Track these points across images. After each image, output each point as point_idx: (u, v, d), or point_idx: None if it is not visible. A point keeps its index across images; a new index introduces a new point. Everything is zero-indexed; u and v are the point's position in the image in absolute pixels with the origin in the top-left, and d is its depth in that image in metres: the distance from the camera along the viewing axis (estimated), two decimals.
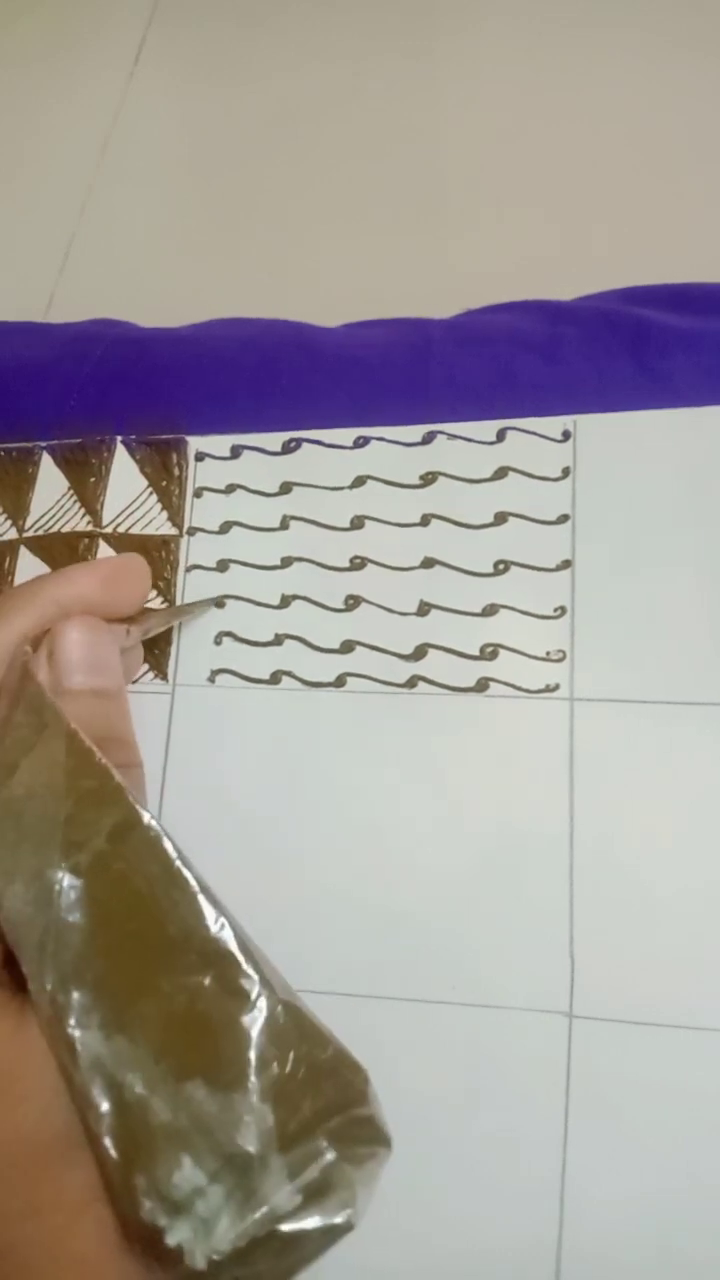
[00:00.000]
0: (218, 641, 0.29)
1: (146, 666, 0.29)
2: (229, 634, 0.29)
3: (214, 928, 0.19)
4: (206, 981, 0.19)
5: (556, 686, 0.27)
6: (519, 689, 0.28)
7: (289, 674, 0.29)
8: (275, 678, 0.29)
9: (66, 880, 0.19)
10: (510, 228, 0.85)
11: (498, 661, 0.28)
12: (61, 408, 0.32)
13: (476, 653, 0.28)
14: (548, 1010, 0.25)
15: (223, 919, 0.19)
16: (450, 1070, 0.25)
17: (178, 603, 0.30)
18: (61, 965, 0.19)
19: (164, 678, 0.29)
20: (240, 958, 0.19)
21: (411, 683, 0.28)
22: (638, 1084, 0.24)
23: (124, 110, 1.03)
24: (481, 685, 0.28)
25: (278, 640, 0.29)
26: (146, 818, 0.20)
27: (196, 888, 0.19)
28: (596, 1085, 0.25)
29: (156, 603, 0.30)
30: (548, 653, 0.28)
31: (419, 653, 0.28)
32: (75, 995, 0.18)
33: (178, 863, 0.20)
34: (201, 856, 0.28)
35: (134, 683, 0.29)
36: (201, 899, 0.19)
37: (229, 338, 0.34)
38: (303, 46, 1.04)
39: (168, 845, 0.20)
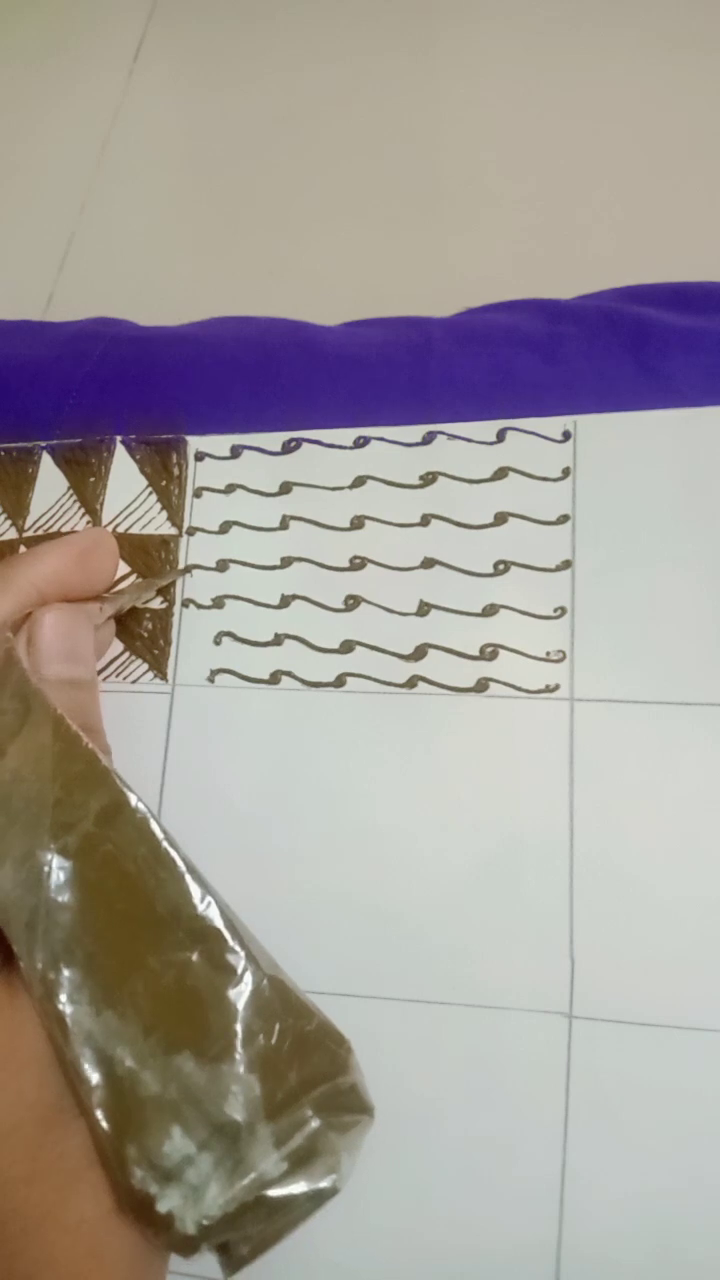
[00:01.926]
0: (217, 641, 0.29)
1: (145, 665, 0.29)
2: (229, 634, 0.29)
3: (200, 906, 0.20)
4: (194, 957, 0.19)
5: (556, 687, 0.27)
6: (519, 689, 0.27)
7: (289, 674, 0.29)
8: (275, 678, 0.29)
9: (56, 861, 0.20)
10: (510, 227, 0.85)
11: (498, 661, 0.28)
12: (61, 407, 0.32)
13: (476, 653, 0.28)
14: (547, 1011, 0.25)
15: (209, 897, 0.20)
16: (450, 1071, 0.25)
17: (177, 602, 0.30)
18: (52, 944, 0.19)
19: (163, 677, 0.29)
20: (226, 934, 0.20)
21: (411, 683, 0.28)
22: (637, 1084, 0.24)
23: (123, 110, 1.03)
24: (481, 685, 0.28)
25: (277, 640, 0.29)
26: (134, 800, 0.20)
27: (183, 868, 0.20)
28: (596, 1085, 0.25)
29: (155, 602, 0.30)
30: (548, 653, 0.28)
31: (419, 653, 0.28)
32: (66, 973, 0.19)
33: (165, 844, 0.20)
34: (201, 856, 0.28)
35: (135, 682, 0.29)
36: (188, 878, 0.20)
37: (229, 337, 0.34)
38: (302, 46, 1.04)
39: (155, 827, 0.20)
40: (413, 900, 0.26)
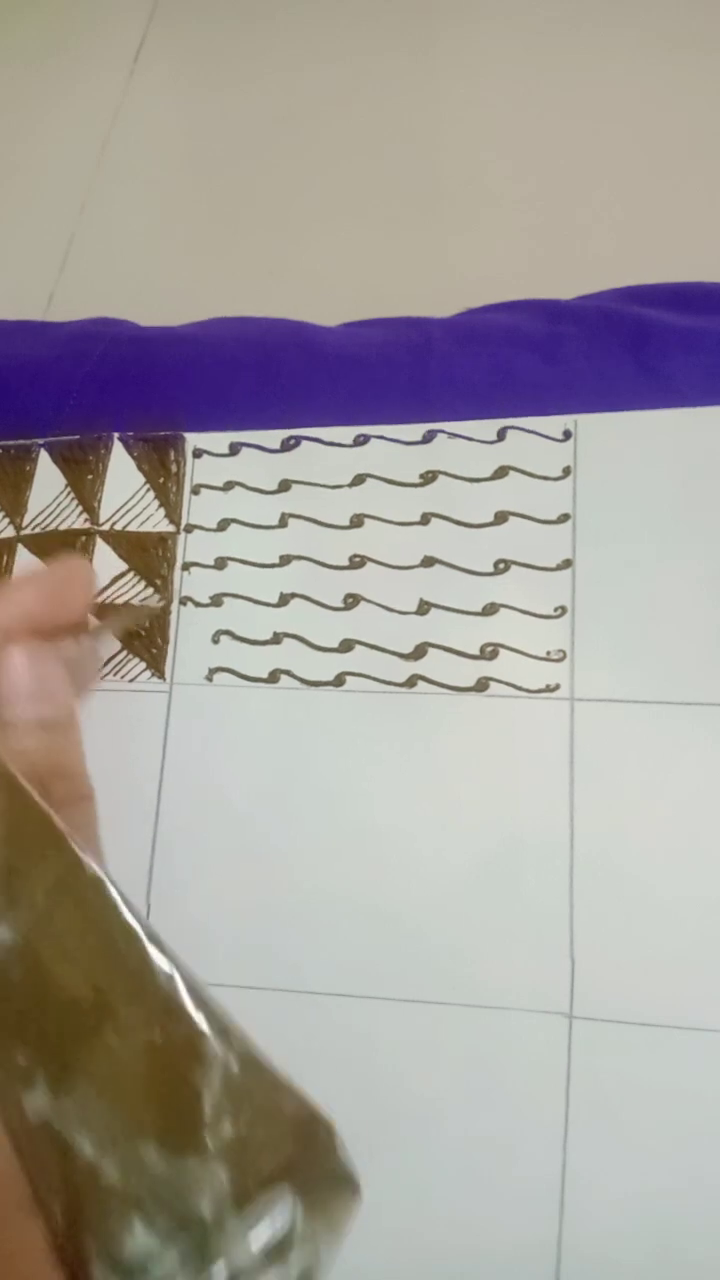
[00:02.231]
0: (216, 640, 0.29)
1: (143, 664, 0.29)
2: (227, 633, 0.29)
3: (163, 978, 0.18)
4: (157, 1036, 0.18)
5: (557, 686, 0.27)
6: (519, 689, 0.27)
7: (288, 673, 0.29)
8: (274, 676, 0.29)
9: (4, 934, 0.18)
10: (510, 227, 0.85)
11: (498, 661, 0.28)
12: (61, 406, 0.32)
13: (476, 652, 0.28)
14: (548, 1011, 0.25)
15: (173, 968, 0.18)
16: (451, 1070, 0.25)
17: (174, 600, 0.30)
18: (4, 1024, 0.18)
19: (161, 676, 0.29)
20: (191, 1010, 0.18)
21: (411, 682, 0.28)
22: (637, 1084, 0.24)
23: (123, 110, 1.03)
24: (481, 685, 0.28)
25: (276, 639, 0.29)
26: (90, 866, 0.19)
27: (144, 936, 0.19)
28: (596, 1085, 0.24)
29: (153, 601, 0.30)
30: (548, 652, 0.28)
31: (419, 652, 0.28)
32: (19, 1056, 0.18)
33: (124, 911, 0.19)
34: (199, 856, 0.28)
35: (133, 680, 0.29)
36: (149, 947, 0.19)
37: (229, 337, 0.34)
38: (302, 46, 1.04)
39: (113, 893, 0.19)
40: (412, 900, 0.26)
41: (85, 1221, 0.17)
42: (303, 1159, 0.18)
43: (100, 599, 0.30)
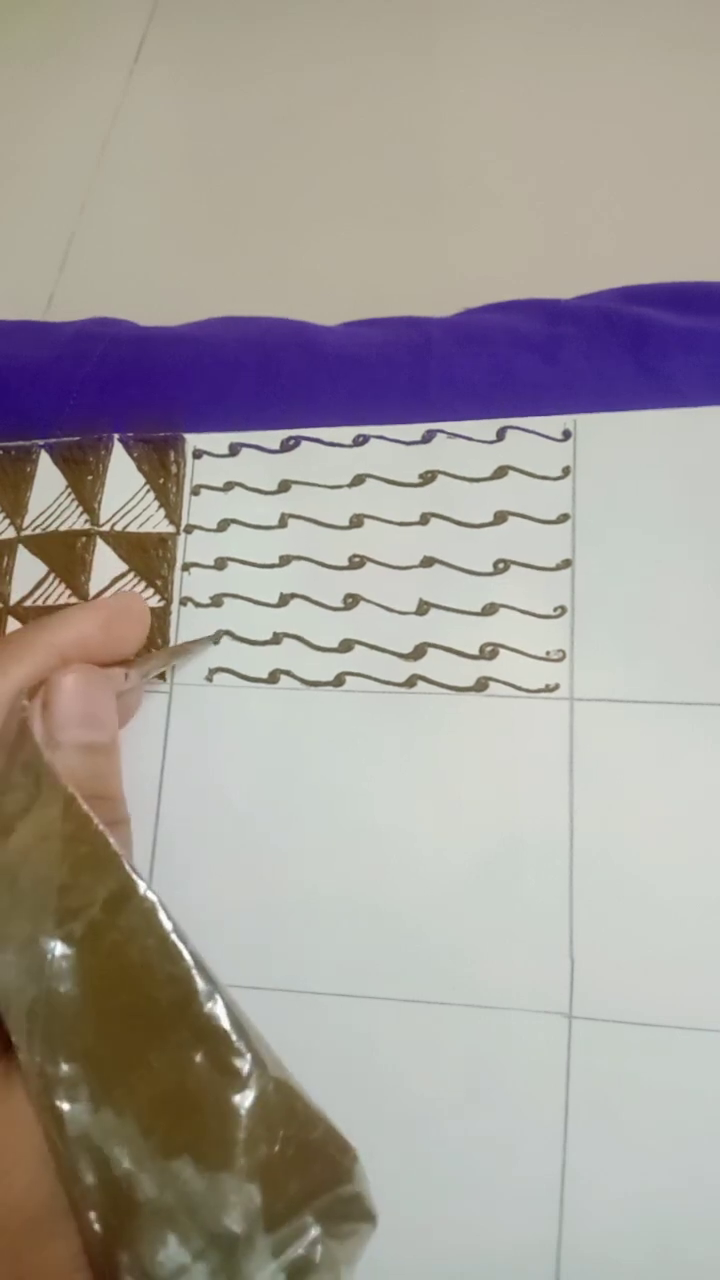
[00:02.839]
0: (216, 640, 0.29)
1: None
2: (227, 633, 0.29)
3: (207, 1003, 0.19)
4: (198, 1058, 0.18)
5: (556, 686, 0.27)
6: (519, 689, 0.27)
7: (287, 673, 0.29)
8: (274, 677, 0.29)
9: (59, 949, 0.19)
10: (510, 227, 0.85)
11: (497, 661, 0.28)
12: (61, 407, 0.32)
13: (476, 652, 0.28)
14: (547, 1011, 0.25)
15: (217, 994, 0.19)
16: (450, 1071, 0.25)
17: (175, 600, 0.30)
18: (51, 1036, 0.18)
19: (161, 677, 0.29)
20: (233, 1035, 0.19)
21: (411, 682, 0.28)
22: (637, 1085, 0.24)
23: (124, 110, 1.03)
24: (481, 685, 0.28)
25: (276, 639, 0.29)
26: (143, 888, 0.20)
27: (191, 962, 0.19)
28: (596, 1086, 0.24)
29: (153, 601, 0.30)
30: (547, 652, 0.28)
31: (418, 652, 0.28)
32: (64, 1067, 0.18)
33: (173, 935, 0.19)
34: (199, 856, 0.28)
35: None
36: (196, 973, 0.19)
37: (229, 337, 0.34)
38: (303, 46, 1.04)
39: (163, 917, 0.19)
40: (412, 900, 0.26)
41: (119, 1233, 0.17)
42: (329, 1185, 0.18)
43: (99, 598, 0.30)
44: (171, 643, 0.29)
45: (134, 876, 0.20)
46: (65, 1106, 0.18)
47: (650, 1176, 0.24)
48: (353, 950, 0.26)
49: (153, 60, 1.07)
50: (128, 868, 0.20)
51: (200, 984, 0.19)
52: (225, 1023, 0.19)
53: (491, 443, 0.30)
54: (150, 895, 0.20)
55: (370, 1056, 0.26)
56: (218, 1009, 0.19)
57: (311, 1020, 0.26)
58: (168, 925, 0.19)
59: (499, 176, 0.90)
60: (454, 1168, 0.25)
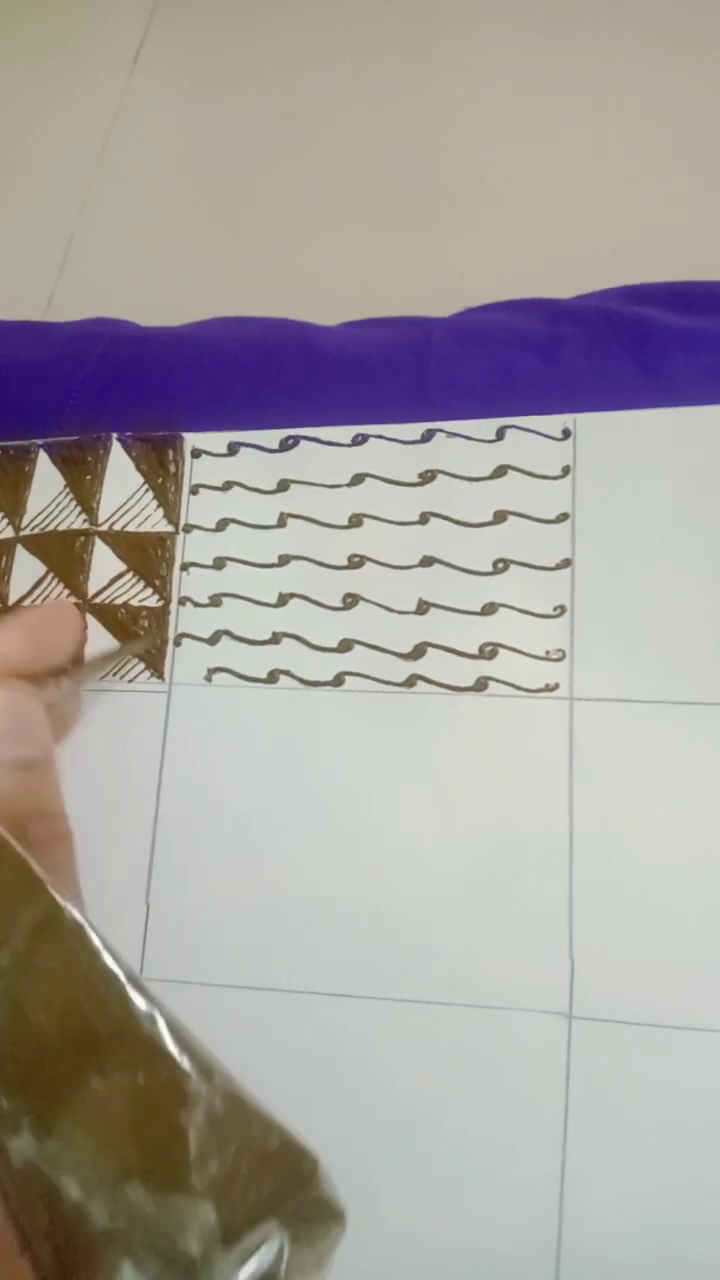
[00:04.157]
0: (215, 640, 0.29)
1: (142, 664, 0.29)
2: (226, 633, 0.29)
3: (145, 1021, 0.18)
4: (140, 1078, 0.18)
5: (556, 686, 0.27)
6: (518, 688, 0.27)
7: (287, 673, 0.29)
8: (273, 677, 0.29)
9: None
10: (510, 227, 0.85)
11: (497, 661, 0.28)
12: (61, 406, 0.32)
13: (476, 652, 0.28)
14: (547, 1011, 0.25)
15: (154, 1010, 0.19)
16: (450, 1071, 0.25)
17: (173, 599, 0.30)
18: None
19: (160, 676, 0.29)
20: (174, 1050, 0.18)
21: (410, 682, 0.28)
22: (637, 1084, 0.24)
23: (123, 110, 1.03)
24: (481, 684, 0.28)
25: (275, 639, 0.29)
26: (69, 911, 0.19)
27: (124, 979, 0.19)
28: (596, 1085, 0.24)
29: (152, 600, 0.30)
30: (547, 652, 0.28)
31: (418, 652, 0.28)
32: (3, 1101, 0.18)
33: (104, 955, 0.19)
34: (198, 856, 0.27)
35: (131, 681, 0.29)
36: (130, 990, 0.19)
37: (228, 337, 0.34)
38: (303, 46, 1.04)
39: (93, 937, 0.19)
40: (412, 900, 0.26)
41: (74, 1265, 0.17)
42: (288, 1193, 0.18)
43: (99, 599, 0.30)
44: (170, 643, 0.29)
45: (60, 901, 0.19)
46: (8, 1140, 0.17)
47: (650, 1176, 0.24)
48: (352, 950, 0.26)
49: (153, 60, 1.07)
50: (52, 892, 0.19)
51: (138, 1002, 0.19)
52: (167, 1040, 0.18)
53: (491, 442, 0.30)
54: (78, 918, 0.19)
55: (370, 1057, 0.25)
56: (157, 1027, 0.18)
57: (311, 1020, 0.26)
58: (98, 945, 0.19)
59: (499, 176, 0.90)
60: (454, 1168, 0.25)
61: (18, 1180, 0.17)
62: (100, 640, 0.30)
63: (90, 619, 0.30)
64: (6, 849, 0.20)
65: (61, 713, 0.26)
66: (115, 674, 0.28)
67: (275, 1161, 0.18)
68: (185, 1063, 0.18)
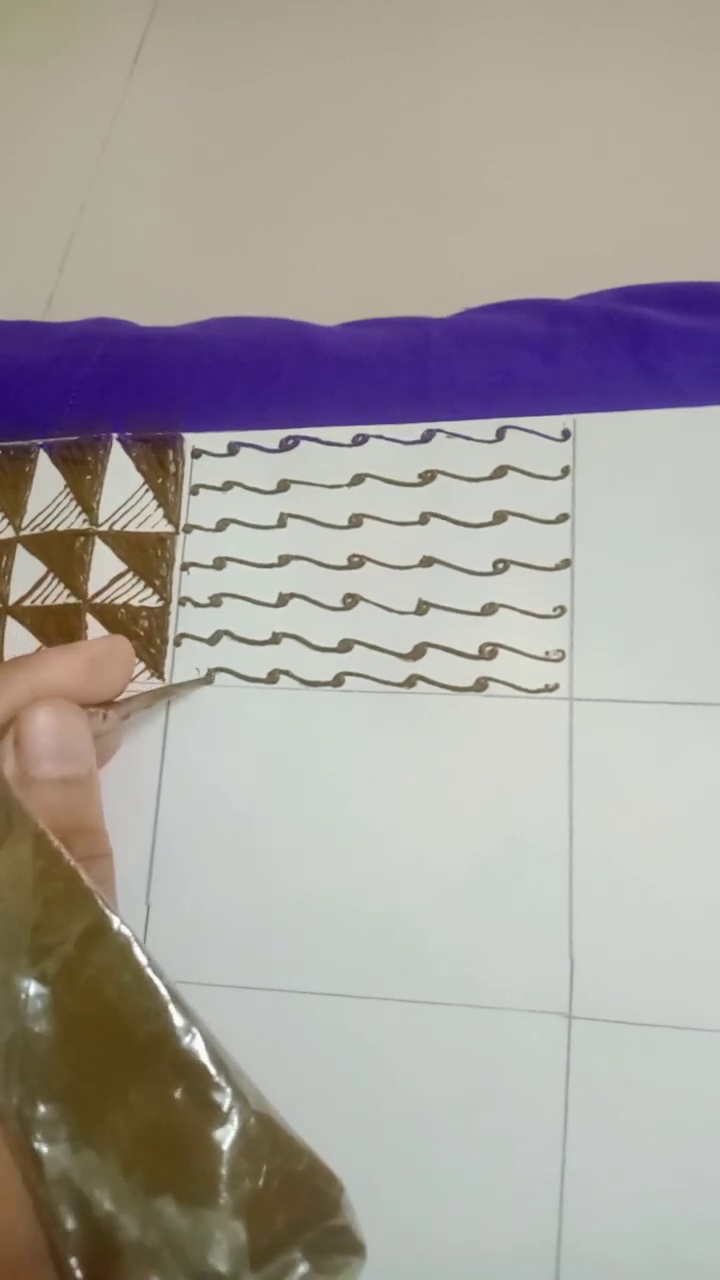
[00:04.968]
0: (215, 640, 0.29)
1: (142, 664, 0.29)
2: (226, 633, 0.29)
3: (185, 1038, 0.19)
4: (177, 1094, 0.18)
5: (556, 686, 0.27)
6: (518, 689, 0.27)
7: (287, 673, 0.29)
8: (273, 677, 0.29)
9: (33, 988, 0.19)
10: (510, 227, 0.85)
11: (497, 661, 0.28)
12: (60, 407, 0.32)
13: (475, 652, 0.28)
14: (547, 1011, 0.25)
15: (194, 1029, 0.19)
16: (450, 1071, 0.25)
17: (173, 600, 0.30)
18: (27, 1077, 0.18)
19: (160, 676, 0.29)
20: (212, 1069, 0.18)
21: (410, 682, 0.28)
22: (637, 1085, 0.24)
23: (124, 110, 1.03)
24: (480, 685, 0.28)
25: (275, 639, 0.29)
26: (117, 923, 0.19)
27: (167, 996, 0.19)
28: (596, 1086, 0.24)
29: (152, 600, 0.30)
30: (547, 652, 0.28)
31: (418, 652, 0.28)
32: (41, 1109, 0.18)
33: (148, 970, 0.19)
34: (198, 856, 0.27)
35: (132, 681, 0.29)
36: (172, 1008, 0.19)
37: (228, 337, 0.34)
38: (302, 46, 1.04)
39: (138, 952, 0.19)
40: (412, 900, 0.26)
41: (101, 1277, 0.17)
42: (316, 1218, 0.18)
43: (99, 599, 0.30)
44: (170, 643, 0.29)
45: (108, 912, 0.19)
46: (44, 1149, 0.17)
47: (650, 1176, 0.24)
48: (352, 950, 0.26)
49: (153, 60, 1.07)
50: (101, 903, 0.19)
51: (178, 1019, 0.19)
52: (204, 1057, 0.18)
53: (491, 442, 0.30)
54: (124, 930, 0.19)
55: (370, 1057, 0.25)
56: (196, 1044, 0.18)
57: (311, 1021, 0.26)
58: (143, 960, 0.19)
59: (499, 176, 0.90)
60: (454, 1168, 0.25)
61: (50, 1190, 0.17)
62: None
63: (90, 619, 0.30)
64: (59, 859, 0.20)
65: (104, 744, 0.27)
66: (154, 709, 0.29)
67: (305, 1185, 0.18)
68: (222, 1081, 0.18)
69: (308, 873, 0.27)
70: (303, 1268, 0.17)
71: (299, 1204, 0.18)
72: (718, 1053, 0.24)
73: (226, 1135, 0.18)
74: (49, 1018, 0.19)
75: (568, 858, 0.26)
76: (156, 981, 0.19)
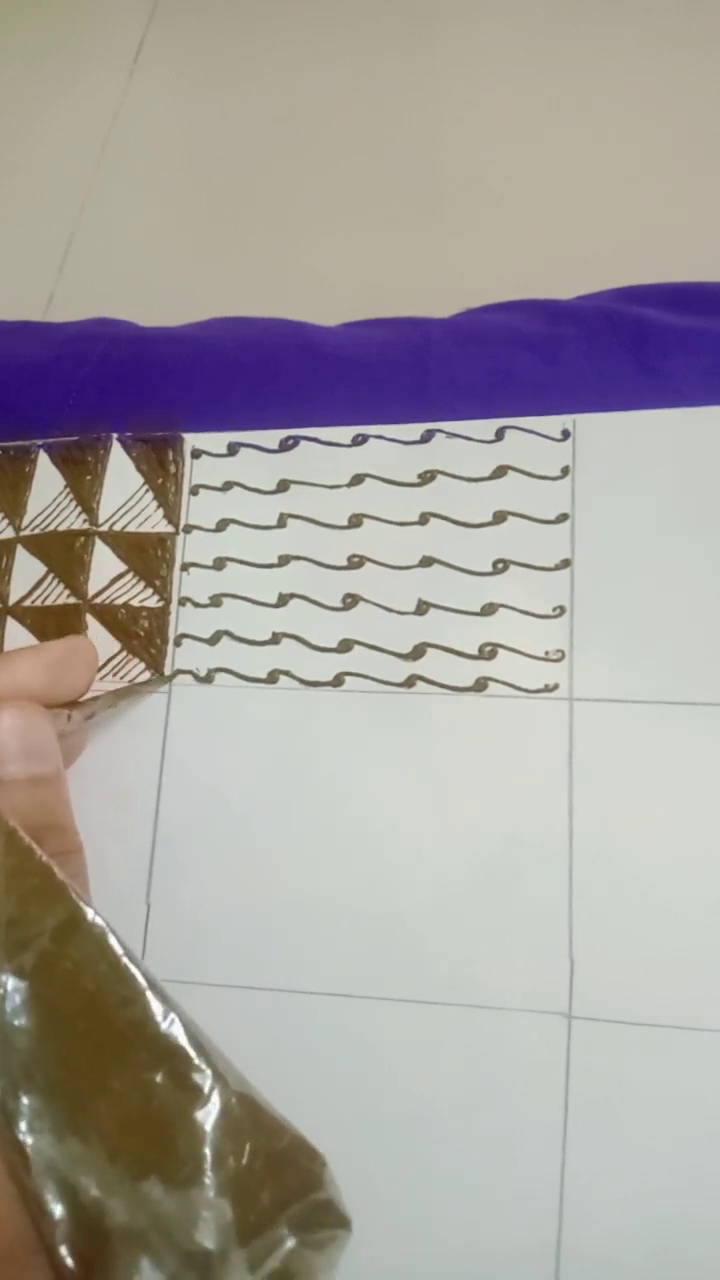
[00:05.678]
0: (215, 640, 0.29)
1: (142, 664, 0.29)
2: (226, 633, 0.29)
3: (164, 1023, 0.19)
4: (159, 1078, 0.18)
5: (556, 686, 0.27)
6: (518, 689, 0.27)
7: (286, 673, 0.29)
8: (273, 677, 0.29)
9: (11, 983, 0.19)
10: (510, 227, 0.85)
11: (496, 661, 0.28)
12: (60, 407, 0.32)
13: (475, 652, 0.28)
14: (547, 1011, 0.25)
15: (172, 1014, 0.19)
16: (450, 1071, 0.25)
17: (174, 600, 0.30)
18: (9, 1070, 0.18)
19: (161, 677, 0.29)
20: (191, 1052, 0.19)
21: (410, 682, 0.28)
22: (637, 1085, 0.24)
23: (124, 110, 1.03)
24: (480, 685, 0.28)
25: (275, 639, 0.29)
26: (90, 914, 0.20)
27: (144, 984, 0.19)
28: (595, 1086, 0.24)
29: (152, 601, 0.30)
30: (547, 652, 0.28)
31: (417, 652, 0.28)
32: (25, 1100, 0.18)
33: (124, 959, 0.19)
34: (198, 857, 0.28)
35: (131, 681, 0.29)
36: (150, 994, 0.19)
37: (228, 337, 0.34)
38: (302, 46, 1.04)
39: (113, 942, 0.20)
40: (412, 900, 0.26)
41: (92, 1263, 0.17)
42: (300, 1193, 0.18)
43: (99, 599, 0.30)
44: (170, 643, 0.29)
45: (81, 905, 0.20)
46: (29, 1140, 0.18)
47: (650, 1176, 0.24)
48: (352, 950, 0.26)
49: (153, 60, 1.07)
50: (74, 896, 0.20)
51: (155, 1005, 0.19)
52: (184, 1041, 0.19)
53: (491, 442, 0.30)
54: (99, 921, 0.20)
55: (370, 1057, 0.25)
56: (175, 1028, 0.19)
57: (311, 1021, 0.26)
58: (119, 950, 0.19)
59: (499, 176, 0.90)
60: (454, 1168, 0.25)
61: (37, 1180, 0.18)
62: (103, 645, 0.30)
63: (90, 619, 0.30)
64: (31, 855, 0.20)
65: (68, 744, 0.27)
66: (118, 708, 0.29)
67: (288, 1161, 0.18)
68: (202, 1063, 0.19)
69: (308, 873, 0.27)
70: (290, 1242, 0.18)
71: (283, 1180, 0.18)
72: (718, 1053, 0.24)
73: (209, 1116, 0.18)
74: (28, 1011, 0.19)
75: (567, 858, 0.26)
76: (133, 969, 0.19)
